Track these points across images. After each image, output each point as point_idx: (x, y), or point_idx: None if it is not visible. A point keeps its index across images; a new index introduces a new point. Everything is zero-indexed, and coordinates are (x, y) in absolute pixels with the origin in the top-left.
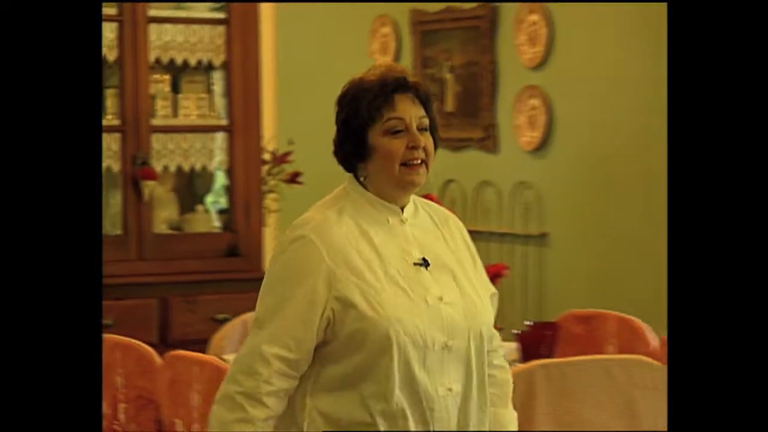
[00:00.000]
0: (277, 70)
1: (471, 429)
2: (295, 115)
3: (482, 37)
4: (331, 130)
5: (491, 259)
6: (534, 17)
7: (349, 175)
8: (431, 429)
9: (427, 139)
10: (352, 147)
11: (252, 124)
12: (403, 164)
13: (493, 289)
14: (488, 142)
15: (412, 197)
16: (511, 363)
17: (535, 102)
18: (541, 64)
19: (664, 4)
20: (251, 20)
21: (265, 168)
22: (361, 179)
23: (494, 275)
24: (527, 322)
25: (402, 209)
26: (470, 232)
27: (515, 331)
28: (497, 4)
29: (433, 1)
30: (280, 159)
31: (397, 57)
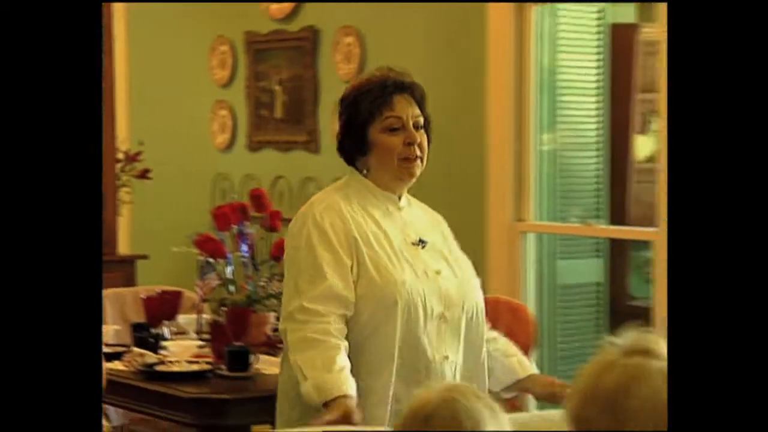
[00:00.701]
0: (129, 80)
1: None
2: (144, 120)
3: (305, 55)
4: (176, 133)
5: None
6: (349, 39)
7: (350, 169)
8: None
9: (421, 136)
10: (354, 143)
11: (107, 127)
12: (401, 159)
13: (477, 278)
14: (311, 144)
15: (406, 195)
16: None
17: None
18: (354, 79)
19: (463, 20)
20: (106, 37)
21: (119, 165)
22: (363, 172)
23: None
24: None
25: (399, 198)
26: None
27: None
28: (318, 27)
29: (270, 2)
30: (132, 157)
31: (233, 71)
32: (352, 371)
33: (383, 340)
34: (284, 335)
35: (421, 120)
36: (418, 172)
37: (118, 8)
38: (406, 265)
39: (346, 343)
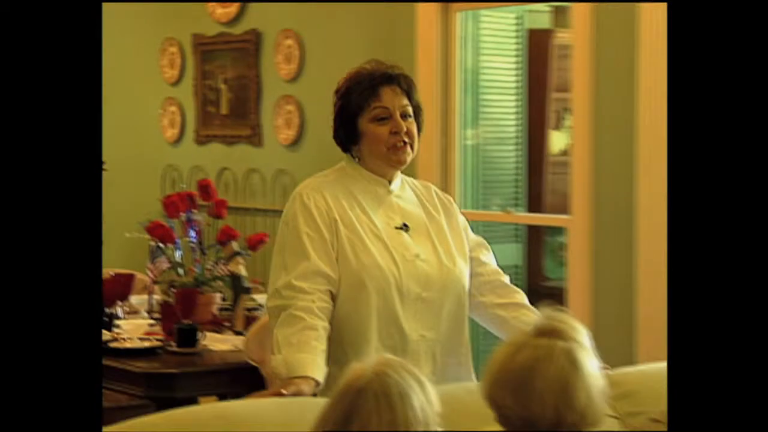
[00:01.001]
0: None
1: (440, 374)
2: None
3: (249, 56)
4: (129, 127)
5: (257, 229)
6: (289, 42)
7: (345, 155)
8: None
9: (410, 124)
10: (346, 132)
11: None
12: (389, 147)
13: (479, 239)
14: (254, 138)
15: (403, 177)
16: None
17: (290, 107)
18: (294, 78)
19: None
20: None
21: None
22: (356, 159)
23: (258, 241)
24: None
25: (390, 182)
26: (240, 209)
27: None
28: (260, 30)
29: (217, 1)
30: None
31: (182, 70)
32: (337, 344)
33: (360, 318)
34: (271, 312)
35: (410, 109)
36: (407, 158)
37: None
38: (383, 249)
39: (326, 324)
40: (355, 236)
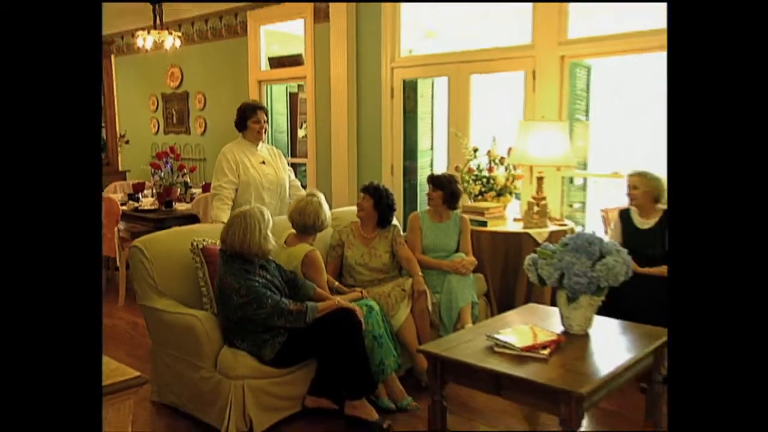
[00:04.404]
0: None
1: (276, 215)
2: (124, 124)
3: (184, 101)
4: (138, 128)
5: (192, 165)
6: (200, 95)
7: (240, 134)
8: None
9: (266, 126)
10: (242, 125)
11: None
12: (256, 134)
13: (290, 168)
14: (187, 131)
15: (263, 144)
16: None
17: (201, 120)
18: (203, 108)
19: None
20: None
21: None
22: (242, 135)
23: (193, 169)
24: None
25: (257, 146)
26: (185, 158)
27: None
28: (188, 91)
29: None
30: (121, 136)
31: (157, 106)
32: (237, 205)
33: (248, 197)
34: (212, 196)
35: (266, 119)
36: (262, 139)
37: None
38: (255, 171)
39: (231, 204)
40: (244, 167)
